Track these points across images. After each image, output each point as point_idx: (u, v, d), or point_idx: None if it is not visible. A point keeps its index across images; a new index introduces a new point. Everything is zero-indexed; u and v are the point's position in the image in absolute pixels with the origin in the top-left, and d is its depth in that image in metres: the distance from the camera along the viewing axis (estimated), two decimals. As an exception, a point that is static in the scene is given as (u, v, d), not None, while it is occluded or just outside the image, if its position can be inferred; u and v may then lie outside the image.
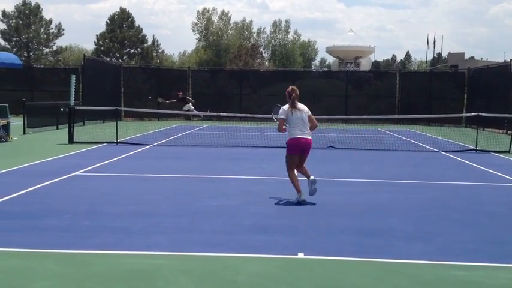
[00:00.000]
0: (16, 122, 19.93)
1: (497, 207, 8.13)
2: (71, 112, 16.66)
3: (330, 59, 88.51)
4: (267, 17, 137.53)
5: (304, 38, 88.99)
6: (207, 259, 5.39)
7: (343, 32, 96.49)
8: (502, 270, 5.23)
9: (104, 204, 7.82)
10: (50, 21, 63.36)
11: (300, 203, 8.10)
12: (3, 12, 60.92)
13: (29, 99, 26.35)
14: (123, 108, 26.88)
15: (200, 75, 35.94)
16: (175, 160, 13.07)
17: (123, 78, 31.86)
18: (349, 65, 71.50)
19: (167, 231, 6.36)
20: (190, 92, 33.02)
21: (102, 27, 73.37)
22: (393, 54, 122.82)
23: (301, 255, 5.52)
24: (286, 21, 79.82)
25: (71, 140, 16.03)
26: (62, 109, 20.55)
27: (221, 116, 25.26)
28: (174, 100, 25.48)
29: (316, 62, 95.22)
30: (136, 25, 63.22)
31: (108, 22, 62.48)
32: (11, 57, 21.42)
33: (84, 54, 32.19)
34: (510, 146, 15.73)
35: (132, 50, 62.74)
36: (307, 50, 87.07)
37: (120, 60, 56.23)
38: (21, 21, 61.18)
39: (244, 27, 77.44)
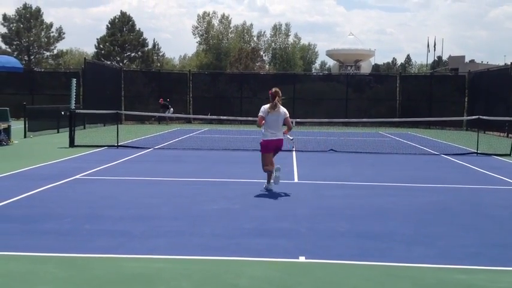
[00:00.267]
0: (17, 126, 19.94)
1: (499, 211, 8.12)
2: (72, 116, 16.66)
3: (330, 62, 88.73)
4: (267, 21, 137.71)
5: (304, 41, 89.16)
6: (208, 263, 5.38)
7: (344, 35, 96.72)
8: (504, 274, 5.22)
9: (105, 207, 7.81)
10: (51, 25, 63.42)
11: (268, 190, 9.16)
12: (4, 16, 60.98)
13: (30, 102, 26.38)
14: (123, 112, 26.93)
15: (201, 78, 36.00)
16: (176, 163, 13.06)
17: (124, 82, 31.91)
18: (349, 68, 71.59)
19: (168, 235, 6.35)
20: (191, 95, 33.07)
21: (102, 31, 73.66)
22: (393, 58, 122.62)
23: (302, 259, 5.51)
24: (287, 25, 79.99)
25: (71, 144, 16.03)
26: (62, 113, 20.55)
27: (222, 119, 25.26)
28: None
29: (317, 65, 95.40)
30: (137, 29, 63.28)
31: (109, 26, 62.53)
32: (11, 61, 21.42)
33: (84, 58, 32.20)
34: (511, 149, 15.72)
35: (133, 54, 62.76)
36: (307, 53, 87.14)
37: (120, 64, 56.30)
38: (22, 25, 61.22)
39: (245, 31, 77.51)
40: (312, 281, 4.89)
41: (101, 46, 61.68)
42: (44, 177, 10.22)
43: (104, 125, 26.04)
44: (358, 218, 7.42)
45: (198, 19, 76.12)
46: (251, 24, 79.55)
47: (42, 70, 44.79)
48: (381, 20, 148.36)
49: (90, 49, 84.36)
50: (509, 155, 15.46)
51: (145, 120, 30.89)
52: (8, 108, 17.44)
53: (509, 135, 22.35)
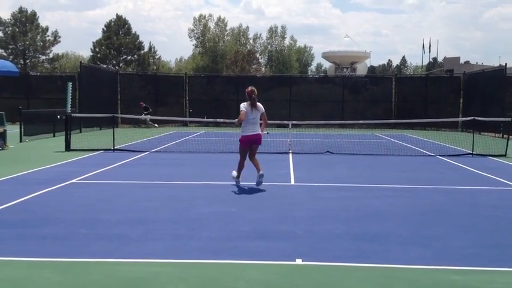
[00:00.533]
0: (13, 130, 19.90)
1: (494, 211, 8.14)
2: (68, 119, 16.64)
3: (326, 65, 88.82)
4: (263, 23, 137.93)
5: (300, 43, 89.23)
6: (206, 266, 5.38)
7: (339, 38, 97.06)
8: (500, 275, 5.23)
9: (101, 211, 7.80)
10: (47, 29, 63.41)
11: (237, 186, 9.84)
12: (0, 19, 60.92)
13: (26, 106, 26.31)
14: (120, 115, 26.90)
15: (197, 81, 36.02)
16: (173, 167, 13.05)
17: (120, 85, 31.86)
18: (345, 70, 71.69)
19: (165, 238, 6.34)
20: (187, 98, 33.08)
21: (98, 34, 73.38)
22: (389, 59, 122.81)
23: (299, 261, 5.51)
24: (283, 27, 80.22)
25: (67, 148, 16.01)
26: (58, 116, 20.53)
27: (218, 122, 25.28)
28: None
29: (313, 67, 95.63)
30: (133, 32, 63.32)
31: (105, 29, 62.52)
32: (7, 65, 21.45)
33: (80, 62, 32.23)
34: (506, 150, 15.78)
35: (129, 57, 62.77)
36: (303, 55, 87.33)
37: (116, 67, 56.25)
38: (17, 29, 61.19)
39: (241, 33, 77.67)
40: (309, 284, 4.90)
41: (97, 49, 61.68)
42: (40, 182, 10.21)
43: (100, 129, 26.01)
44: (354, 219, 7.43)
45: (194, 22, 76.38)
46: (247, 27, 79.81)
47: (38, 74, 44.73)
48: (376, 22, 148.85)
49: (86, 53, 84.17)
50: (505, 155, 15.51)
51: (141, 123, 30.88)
52: (3, 113, 17.41)
53: (504, 136, 22.40)
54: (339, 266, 5.42)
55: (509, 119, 17.36)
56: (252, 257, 5.63)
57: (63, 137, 16.55)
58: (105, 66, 53.60)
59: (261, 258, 5.59)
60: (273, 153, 16.04)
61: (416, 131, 28.48)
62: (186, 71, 55.54)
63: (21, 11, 61.81)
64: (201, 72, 61.02)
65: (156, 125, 30.28)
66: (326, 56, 79.56)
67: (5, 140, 16.75)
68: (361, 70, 73.64)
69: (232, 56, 64.41)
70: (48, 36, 63.28)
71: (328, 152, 16.39)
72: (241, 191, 9.71)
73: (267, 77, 45.38)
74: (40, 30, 62.85)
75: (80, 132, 23.38)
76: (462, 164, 13.81)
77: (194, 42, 75.86)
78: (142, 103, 29.92)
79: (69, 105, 18.39)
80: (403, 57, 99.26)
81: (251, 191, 9.72)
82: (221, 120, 22.12)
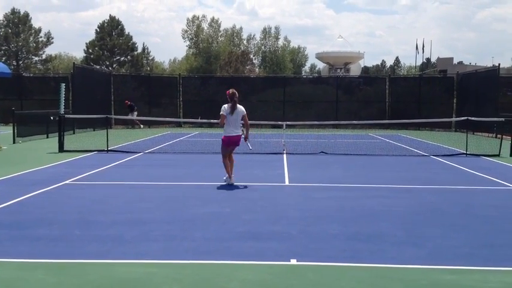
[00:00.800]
0: (6, 131, 19.83)
1: (488, 211, 8.17)
2: (61, 120, 16.58)
3: (320, 65, 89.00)
4: (256, 24, 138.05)
5: (294, 44, 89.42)
6: (200, 267, 5.37)
7: (333, 38, 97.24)
8: (494, 274, 5.25)
9: (95, 212, 7.77)
10: (39, 30, 63.15)
11: (230, 185, 10.11)
12: (-8, 21, 60.69)
13: (19, 108, 26.19)
14: (113, 116, 26.86)
15: (191, 82, 35.96)
16: (167, 168, 13.02)
17: (113, 86, 31.79)
18: (339, 70, 71.82)
19: (159, 239, 6.33)
20: (181, 99, 33.03)
21: (91, 35, 73.39)
22: (382, 60, 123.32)
23: (293, 262, 5.51)
24: (276, 28, 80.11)
25: (61, 149, 15.95)
26: (52, 118, 20.46)
27: (212, 122, 25.23)
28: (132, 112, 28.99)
29: (307, 68, 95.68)
30: (126, 33, 63.15)
31: (98, 30, 62.33)
32: (0, 66, 21.33)
33: (73, 63, 32.13)
34: (500, 150, 15.84)
35: (122, 58, 62.60)
36: (297, 56, 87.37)
37: (110, 68, 56.12)
38: (10, 30, 60.91)
39: (234, 34, 77.60)
40: (303, 284, 4.90)
41: (90, 50, 61.49)
42: (34, 183, 10.16)
43: (94, 130, 25.94)
44: (349, 220, 7.44)
45: (187, 23, 76.15)
46: (241, 28, 79.67)
47: (31, 75, 44.58)
48: (370, 23, 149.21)
49: (79, 54, 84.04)
50: (498, 155, 15.57)
51: (133, 124, 30.83)
52: (-4, 114, 17.33)
53: (498, 135, 22.49)
54: (333, 266, 5.42)
55: (503, 119, 17.44)
56: (246, 258, 5.62)
57: (57, 138, 16.49)
58: (98, 67, 53.43)
59: (255, 259, 5.58)
60: (267, 153, 16.05)
61: (410, 131, 28.56)
62: (180, 72, 55.45)
63: (13, 12, 61.56)
64: (195, 73, 60.88)
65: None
66: (320, 56, 79.70)
67: (-2, 141, 16.66)
68: (354, 71, 73.79)
69: (226, 56, 64.36)
70: (41, 37, 63.06)
71: (322, 152, 16.40)
72: (235, 191, 9.71)
73: (261, 78, 45.38)
74: (33, 31, 62.59)
75: (74, 133, 23.30)
76: (456, 164, 13.85)
77: (188, 43, 75.77)
78: (127, 102, 29.72)
79: (62, 106, 18.31)
80: (397, 57, 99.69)
81: (245, 191, 9.72)
82: (215, 121, 22.00)
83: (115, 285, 4.84)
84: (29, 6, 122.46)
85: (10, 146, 17.84)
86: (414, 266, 5.43)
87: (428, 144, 19.76)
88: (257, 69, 71.74)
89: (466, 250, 6.02)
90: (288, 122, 19.32)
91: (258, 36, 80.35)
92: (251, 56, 72.39)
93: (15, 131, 19.31)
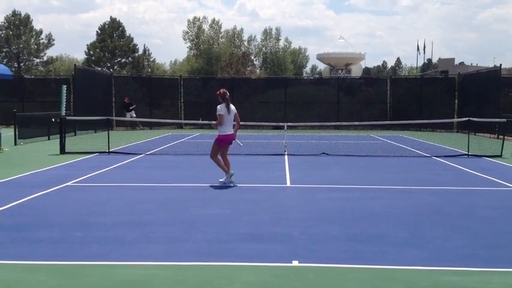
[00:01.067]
0: (7, 133, 19.83)
1: (490, 212, 8.15)
2: (62, 122, 16.59)
3: (321, 66, 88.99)
4: (257, 25, 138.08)
5: (295, 45, 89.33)
6: (201, 268, 5.36)
7: (334, 39, 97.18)
8: (496, 275, 5.23)
9: (96, 214, 7.77)
10: (40, 32, 63.29)
11: (230, 185, 10.24)
12: (-7, 23, 60.79)
13: (20, 110, 26.20)
14: (114, 118, 26.84)
15: (192, 83, 35.92)
16: (168, 169, 13.02)
17: (115, 88, 31.81)
18: (340, 71, 71.80)
19: (160, 241, 6.32)
20: (182, 100, 33.02)
21: (92, 37, 73.33)
22: (384, 61, 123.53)
23: (295, 263, 5.50)
24: (277, 29, 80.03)
25: (62, 151, 15.96)
26: (53, 119, 20.46)
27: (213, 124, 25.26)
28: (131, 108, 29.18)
29: (307, 69, 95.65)
30: (127, 34, 63.25)
31: (99, 32, 62.44)
32: (1, 68, 21.32)
33: (75, 64, 32.14)
34: (502, 151, 15.82)
35: (123, 60, 62.70)
36: (298, 57, 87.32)
37: (111, 70, 56.16)
38: (11, 32, 61.03)
39: (235, 35, 77.58)
40: (305, 285, 4.89)
41: (91, 52, 61.58)
42: (35, 185, 10.16)
43: (95, 131, 25.94)
44: (350, 221, 7.43)
45: (188, 24, 76.16)
46: (241, 29, 79.67)
47: (32, 77, 44.61)
48: (371, 24, 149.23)
49: (80, 55, 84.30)
50: (500, 156, 15.54)
51: (135, 126, 30.84)
52: (-3, 116, 17.34)
53: (500, 136, 22.46)
54: (335, 267, 5.41)
55: (504, 120, 17.41)
56: (248, 259, 5.62)
57: (58, 140, 16.50)
58: (99, 69, 53.49)
59: (257, 260, 5.58)
60: (268, 155, 16.04)
61: (412, 132, 28.53)
62: (181, 73, 55.44)
63: (14, 14, 61.67)
64: (196, 74, 60.93)
65: (141, 126, 30.24)
66: (321, 57, 79.67)
67: (-1, 143, 16.67)
68: (355, 72, 73.71)
69: (227, 58, 64.40)
70: (42, 39, 63.20)
71: (323, 153, 16.39)
72: (236, 193, 9.70)
73: (262, 79, 45.37)
74: (34, 33, 62.72)
75: (75, 135, 23.31)
76: (458, 165, 13.84)
77: (188, 44, 75.77)
78: (127, 98, 29.71)
79: (63, 108, 18.29)
80: (398, 58, 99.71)
81: (246, 193, 9.71)
82: (215, 122, 22.01)
83: (116, 287, 4.83)
84: (30, 8, 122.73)
85: (11, 147, 17.85)
86: (416, 267, 5.41)
87: (430, 145, 19.74)
88: (258, 71, 71.77)
89: (468, 251, 6.00)
90: (289, 123, 19.32)
91: (258, 38, 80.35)
92: (252, 57, 72.38)
93: (17, 132, 19.32)
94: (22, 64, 62.34)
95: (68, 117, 18.28)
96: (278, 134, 24.67)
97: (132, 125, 30.51)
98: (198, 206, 8.40)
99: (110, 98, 31.19)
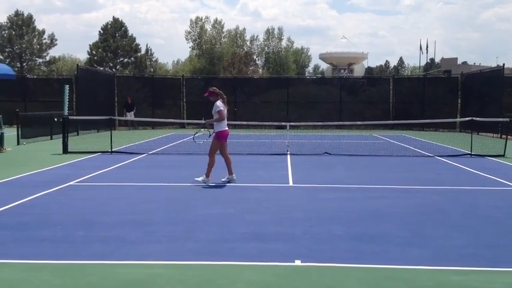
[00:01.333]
0: (10, 133, 19.86)
1: (493, 212, 8.13)
2: (65, 122, 16.60)
3: (324, 66, 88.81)
4: (260, 25, 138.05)
5: (297, 45, 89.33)
6: (204, 268, 5.37)
7: (336, 39, 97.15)
8: (499, 275, 5.22)
9: (99, 214, 7.78)
10: (43, 32, 63.36)
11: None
12: (-4, 23, 60.88)
13: (23, 109, 26.26)
14: (117, 118, 26.83)
15: (194, 83, 35.96)
16: (170, 169, 13.03)
17: (117, 88, 31.82)
18: (342, 71, 71.72)
19: (163, 240, 6.32)
20: (185, 100, 33.03)
21: (95, 37, 73.60)
22: (386, 60, 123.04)
23: (298, 263, 5.50)
24: (279, 29, 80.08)
25: (65, 150, 15.97)
26: (56, 119, 20.49)
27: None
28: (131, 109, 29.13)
29: (310, 68, 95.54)
30: (130, 34, 63.29)
31: (101, 32, 62.50)
32: (4, 68, 21.38)
33: (77, 64, 32.17)
34: (505, 150, 15.79)
35: (126, 59, 62.74)
36: (300, 57, 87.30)
37: (113, 70, 56.22)
38: (14, 32, 61.11)
39: (238, 35, 77.63)
40: (308, 285, 4.88)
41: (94, 52, 61.64)
42: (38, 184, 10.18)
43: (98, 131, 25.95)
44: (353, 220, 7.42)
45: (190, 24, 76.33)
46: (244, 29, 79.70)
47: (35, 77, 44.66)
48: (373, 23, 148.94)
49: (82, 55, 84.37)
50: (503, 155, 15.51)
51: (138, 125, 30.86)
52: (0, 116, 17.36)
53: (503, 136, 22.43)
54: (337, 267, 5.40)
55: (507, 119, 17.37)
56: (250, 259, 5.61)
57: (61, 139, 16.51)
58: (102, 68, 53.53)
59: (259, 260, 5.57)
60: (271, 154, 16.04)
61: (414, 132, 28.49)
62: (183, 73, 55.46)
63: (17, 14, 61.76)
64: (198, 74, 61.01)
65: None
66: (323, 57, 79.58)
67: (2, 143, 16.71)
68: (358, 71, 73.62)
69: (230, 58, 64.39)
70: (44, 39, 63.26)
71: (326, 153, 16.38)
72: (239, 192, 9.70)
73: (264, 79, 45.40)
74: (36, 33, 62.80)
75: (77, 134, 23.32)
76: (460, 165, 13.81)
77: (191, 44, 75.91)
78: (130, 98, 29.71)
79: (66, 108, 18.33)
80: (401, 58, 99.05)
81: (249, 192, 9.71)
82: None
83: (118, 287, 4.83)
84: (33, 8, 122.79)
85: (14, 147, 17.88)
86: (418, 266, 5.41)
87: (433, 145, 19.71)
88: (260, 70, 71.77)
89: (471, 251, 5.99)
90: (291, 123, 19.31)
91: (261, 37, 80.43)
92: (254, 57, 72.40)
93: (19, 132, 19.36)
94: (25, 64, 62.43)
95: (70, 117, 18.31)
96: (280, 134, 24.64)
97: (133, 125, 30.53)
98: (200, 206, 8.40)
99: (113, 97, 31.21)
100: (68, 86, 19.48)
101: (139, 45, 63.60)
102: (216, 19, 76.84)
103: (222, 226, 7.03)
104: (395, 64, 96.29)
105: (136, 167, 13.20)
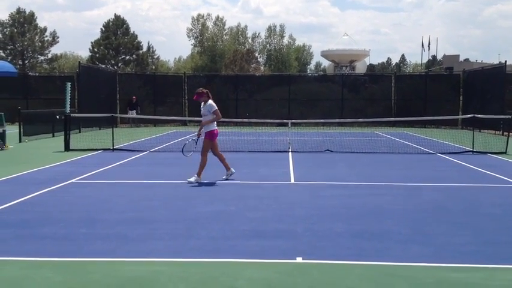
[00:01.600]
0: (12, 130, 19.90)
1: (494, 209, 8.13)
2: (67, 119, 16.63)
3: (325, 63, 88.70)
4: (261, 22, 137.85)
5: (299, 42, 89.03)
6: (205, 265, 5.38)
7: (338, 36, 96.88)
8: (500, 272, 5.23)
9: (101, 211, 7.79)
10: (45, 29, 63.39)
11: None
12: (-3, 20, 60.91)
13: (25, 107, 26.27)
14: (119, 115, 26.89)
15: (196, 80, 35.91)
16: (171, 166, 13.04)
17: (119, 85, 31.85)
18: (344, 68, 71.59)
19: (164, 238, 6.34)
20: (186, 97, 33.02)
21: (97, 34, 73.47)
22: (388, 57, 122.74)
23: (299, 260, 5.51)
24: (281, 26, 79.94)
25: (67, 148, 15.99)
26: (57, 117, 20.52)
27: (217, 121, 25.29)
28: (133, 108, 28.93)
29: (312, 66, 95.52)
30: (131, 32, 63.30)
31: (103, 29, 62.50)
32: (6, 66, 21.46)
33: (79, 62, 32.16)
34: (506, 147, 15.77)
35: (127, 57, 62.73)
36: (302, 54, 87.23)
37: (115, 67, 56.22)
38: (15, 30, 61.16)
39: (239, 33, 77.54)
40: (309, 282, 4.89)
41: (96, 49, 61.65)
42: (40, 182, 10.19)
43: (99, 129, 26.00)
44: (354, 218, 7.43)
45: (192, 21, 76.16)
46: (245, 26, 79.68)
47: (37, 74, 44.67)
48: (375, 20, 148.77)
49: (84, 53, 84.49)
50: (505, 152, 15.50)
51: (140, 123, 30.87)
52: (2, 113, 17.39)
53: (505, 133, 22.39)
54: (339, 264, 5.41)
55: (509, 117, 17.36)
56: (252, 256, 5.63)
57: (63, 137, 16.54)
58: (103, 66, 53.54)
59: (261, 257, 5.58)
60: (272, 151, 16.04)
61: (416, 129, 28.46)
62: (185, 70, 55.44)
63: (19, 11, 61.79)
64: (200, 71, 60.99)
65: (136, 123, 30.30)
66: (325, 54, 79.44)
67: (4, 141, 16.73)
68: (360, 68, 73.49)
69: (231, 55, 64.37)
70: (46, 36, 63.31)
71: (327, 150, 16.38)
72: (240, 189, 9.71)
73: (266, 76, 45.38)
74: (38, 30, 62.84)
75: (79, 132, 23.36)
76: (462, 162, 13.81)
77: (193, 41, 75.80)
78: (135, 97, 29.66)
79: (68, 105, 18.35)
80: (403, 55, 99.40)
81: (250, 189, 9.72)
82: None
83: (120, 284, 4.85)
84: (34, 5, 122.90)
85: (16, 145, 17.91)
86: (419, 263, 5.41)
87: (435, 142, 19.69)
88: (262, 68, 71.72)
89: (472, 248, 6.00)
90: (293, 120, 19.31)
91: (263, 35, 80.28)
92: (256, 55, 72.39)
93: (22, 130, 19.37)
94: (26, 61, 62.48)
95: (72, 115, 18.33)
96: (282, 131, 24.66)
97: (135, 122, 30.53)
98: (201, 203, 8.41)
99: (114, 95, 31.24)
100: (69, 83, 19.49)
101: (141, 42, 63.63)
102: (218, 16, 76.81)
103: (223, 223, 7.04)
104: (397, 61, 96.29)
105: (138, 165, 13.22)
